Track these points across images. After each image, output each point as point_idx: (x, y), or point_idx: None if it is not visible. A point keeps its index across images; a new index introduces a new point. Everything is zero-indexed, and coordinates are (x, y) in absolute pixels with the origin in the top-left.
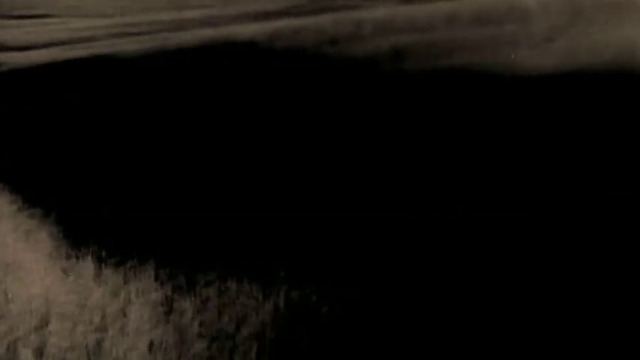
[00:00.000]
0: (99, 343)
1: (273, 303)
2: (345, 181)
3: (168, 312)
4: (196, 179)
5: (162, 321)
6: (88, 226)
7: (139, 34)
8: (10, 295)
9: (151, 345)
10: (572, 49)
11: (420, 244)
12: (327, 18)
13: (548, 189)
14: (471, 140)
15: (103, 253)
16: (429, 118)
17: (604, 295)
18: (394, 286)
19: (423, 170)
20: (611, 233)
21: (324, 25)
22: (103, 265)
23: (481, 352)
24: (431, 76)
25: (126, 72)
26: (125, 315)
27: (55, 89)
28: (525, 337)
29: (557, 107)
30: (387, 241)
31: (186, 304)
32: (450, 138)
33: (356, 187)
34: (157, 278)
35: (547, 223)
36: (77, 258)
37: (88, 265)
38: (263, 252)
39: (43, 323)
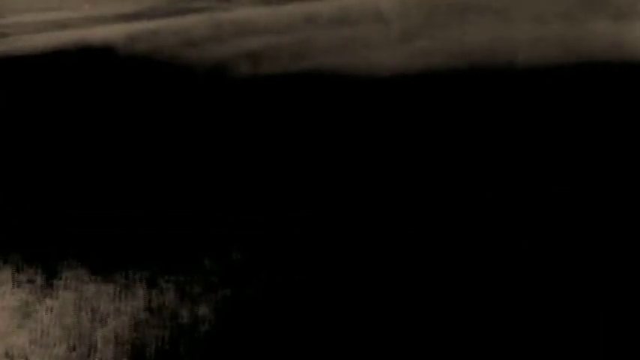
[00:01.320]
0: None
1: (132, 305)
2: (200, 185)
3: (26, 316)
4: (53, 179)
5: (20, 326)
6: None
7: None
8: None
9: (8, 351)
10: (427, 50)
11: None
12: (185, 20)
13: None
14: (327, 141)
15: None
16: (286, 119)
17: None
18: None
19: (283, 174)
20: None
21: (183, 27)
22: None
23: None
24: (290, 78)
25: None
26: None
27: None
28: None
29: (411, 107)
30: (263, 241)
31: (45, 308)
32: (307, 139)
33: (213, 191)
34: (14, 283)
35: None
36: None
37: None
38: (121, 253)
39: None
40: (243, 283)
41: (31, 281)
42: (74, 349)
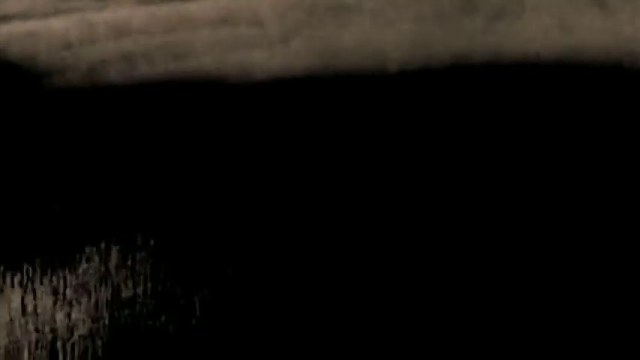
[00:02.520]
0: None
1: (7, 309)
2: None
3: None
4: None
5: None
6: None
7: None
8: None
9: None
10: (304, 50)
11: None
12: (60, 21)
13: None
14: (204, 141)
15: None
16: (161, 121)
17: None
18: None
19: (155, 174)
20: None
21: (59, 29)
22: None
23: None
24: (165, 79)
25: None
26: None
27: None
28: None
29: (287, 106)
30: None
31: None
32: (182, 140)
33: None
34: None
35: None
36: None
37: None
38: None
39: None
40: (119, 286)
41: None
42: None
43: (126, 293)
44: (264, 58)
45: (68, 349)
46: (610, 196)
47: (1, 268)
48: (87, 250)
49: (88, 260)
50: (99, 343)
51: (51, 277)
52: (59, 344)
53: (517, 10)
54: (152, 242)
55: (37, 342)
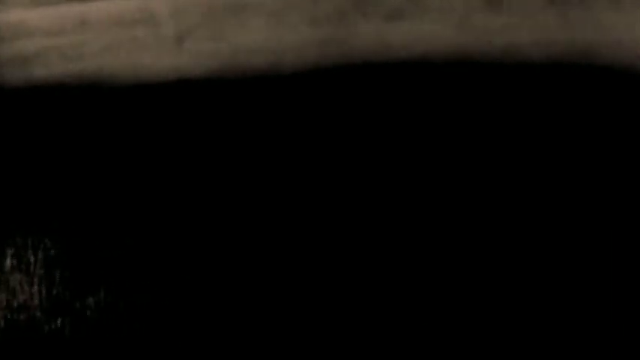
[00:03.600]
0: None
1: None
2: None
3: None
4: None
5: None
6: None
7: None
8: None
9: None
10: (201, 51)
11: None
12: None
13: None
14: (100, 145)
15: None
16: (59, 125)
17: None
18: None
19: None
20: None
21: None
22: None
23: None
24: (62, 81)
25: None
26: None
27: None
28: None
29: (183, 110)
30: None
31: None
32: (80, 143)
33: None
34: None
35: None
36: None
37: None
38: None
39: None
40: (14, 289)
41: None
42: None
43: (21, 297)
44: (158, 59)
45: None
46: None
47: None
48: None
49: None
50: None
51: None
52: None
53: (414, 10)
54: (47, 244)
55: None
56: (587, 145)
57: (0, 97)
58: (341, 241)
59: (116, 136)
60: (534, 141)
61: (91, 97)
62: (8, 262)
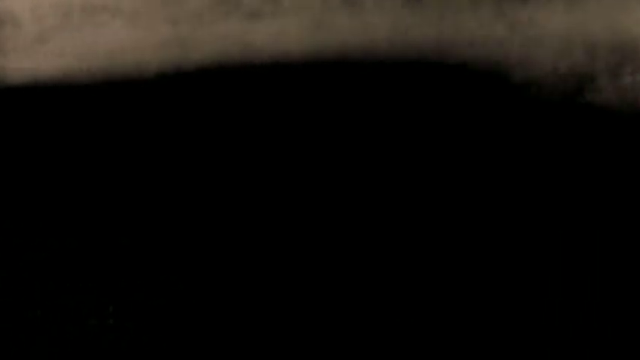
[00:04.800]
0: None
1: None
2: None
3: None
4: None
5: None
6: None
7: None
8: None
9: None
10: (61, 52)
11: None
12: None
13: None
14: None
15: None
16: None
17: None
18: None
19: None
20: None
21: None
22: None
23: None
24: None
25: None
26: None
27: None
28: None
29: (43, 113)
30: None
31: None
32: None
33: None
34: None
35: None
36: None
37: None
38: None
39: None
40: None
41: None
42: None
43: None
44: (21, 60)
45: None
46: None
47: None
48: None
49: None
50: None
51: None
52: None
53: (272, 10)
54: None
55: None
56: (441, 138)
57: None
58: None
59: None
60: (390, 136)
61: None
62: None
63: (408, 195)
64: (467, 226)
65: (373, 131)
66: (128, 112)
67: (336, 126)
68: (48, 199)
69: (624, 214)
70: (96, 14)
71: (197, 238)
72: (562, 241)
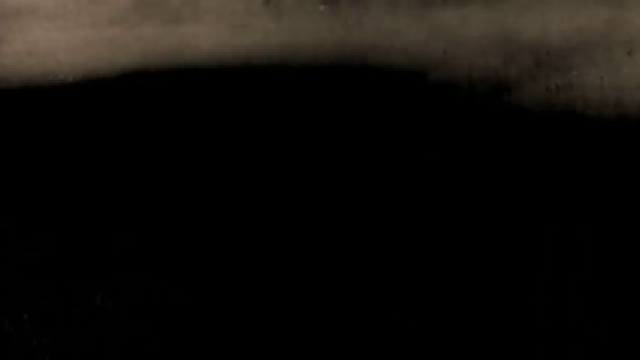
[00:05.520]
0: None
1: None
2: None
3: None
4: None
5: None
6: None
7: None
8: None
9: None
10: None
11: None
12: None
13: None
14: None
15: None
16: None
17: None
18: None
19: None
20: None
21: None
22: None
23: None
24: None
25: None
26: None
27: None
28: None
29: None
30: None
31: None
32: None
33: None
34: None
35: None
36: None
37: None
38: None
39: None
40: None
41: None
42: None
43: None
44: None
45: None
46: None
47: None
48: None
49: None
50: None
51: None
52: None
53: (193, 14)
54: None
55: None
56: (358, 139)
57: None
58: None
59: None
60: (309, 136)
61: None
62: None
63: (324, 194)
64: (382, 226)
65: (293, 131)
66: (48, 113)
67: (256, 126)
68: None
69: (540, 211)
70: (15, 17)
71: None
72: (475, 243)
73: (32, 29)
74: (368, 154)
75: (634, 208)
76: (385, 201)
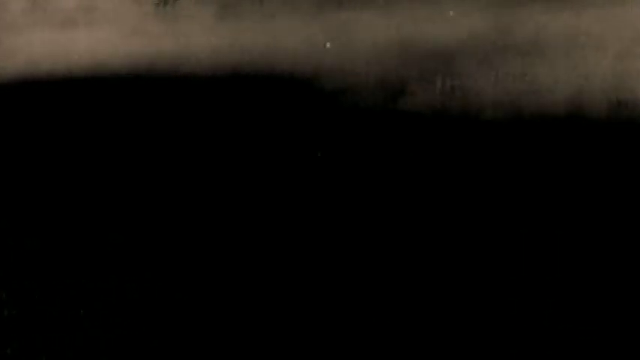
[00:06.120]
0: None
1: None
2: None
3: None
4: None
5: None
6: None
7: None
8: None
9: None
10: None
11: None
12: None
13: None
14: None
15: None
16: None
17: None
18: None
19: None
20: None
21: None
22: None
23: None
24: None
25: None
26: None
27: None
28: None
29: None
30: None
31: None
32: None
33: None
34: None
35: None
36: None
37: None
38: None
39: None
40: None
41: None
42: None
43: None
44: None
45: None
46: None
47: None
48: None
49: None
50: None
51: None
52: None
53: (87, 19)
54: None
55: None
56: (254, 148)
57: None
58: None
59: None
60: (207, 145)
61: None
62: None
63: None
64: (280, 232)
65: (190, 139)
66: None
67: (153, 134)
68: None
69: (438, 214)
70: None
71: None
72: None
73: None
74: (264, 161)
75: (522, 208)
76: (269, 210)
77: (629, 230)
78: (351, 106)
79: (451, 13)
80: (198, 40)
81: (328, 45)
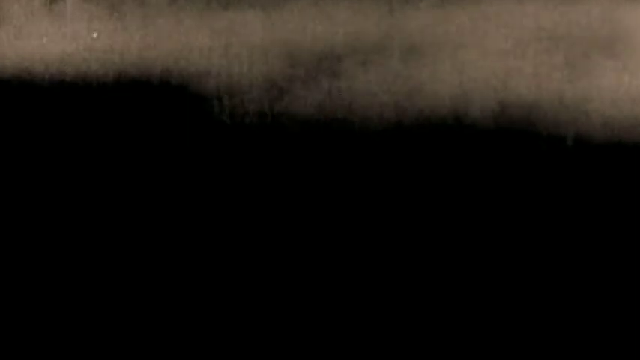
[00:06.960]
0: None
1: None
2: None
3: None
4: None
5: None
6: None
7: None
8: None
9: None
10: None
11: None
12: None
13: None
14: None
15: None
16: None
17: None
18: None
19: None
20: None
21: None
22: None
23: None
24: None
25: None
26: None
27: None
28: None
29: None
30: None
31: None
32: None
33: None
34: None
35: None
36: None
37: None
38: None
39: None
40: None
41: None
42: None
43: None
44: None
45: None
46: None
47: None
48: None
49: None
50: None
51: None
52: None
53: None
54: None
55: None
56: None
57: None
58: None
59: None
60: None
61: None
62: None
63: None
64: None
65: (97, 147)
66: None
67: (32, 140)
68: None
69: (314, 223)
70: None
71: None
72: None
73: None
74: (129, 162)
75: (407, 212)
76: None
77: (517, 229)
78: (235, 106)
79: (338, 12)
80: (86, 40)
81: (212, 45)
